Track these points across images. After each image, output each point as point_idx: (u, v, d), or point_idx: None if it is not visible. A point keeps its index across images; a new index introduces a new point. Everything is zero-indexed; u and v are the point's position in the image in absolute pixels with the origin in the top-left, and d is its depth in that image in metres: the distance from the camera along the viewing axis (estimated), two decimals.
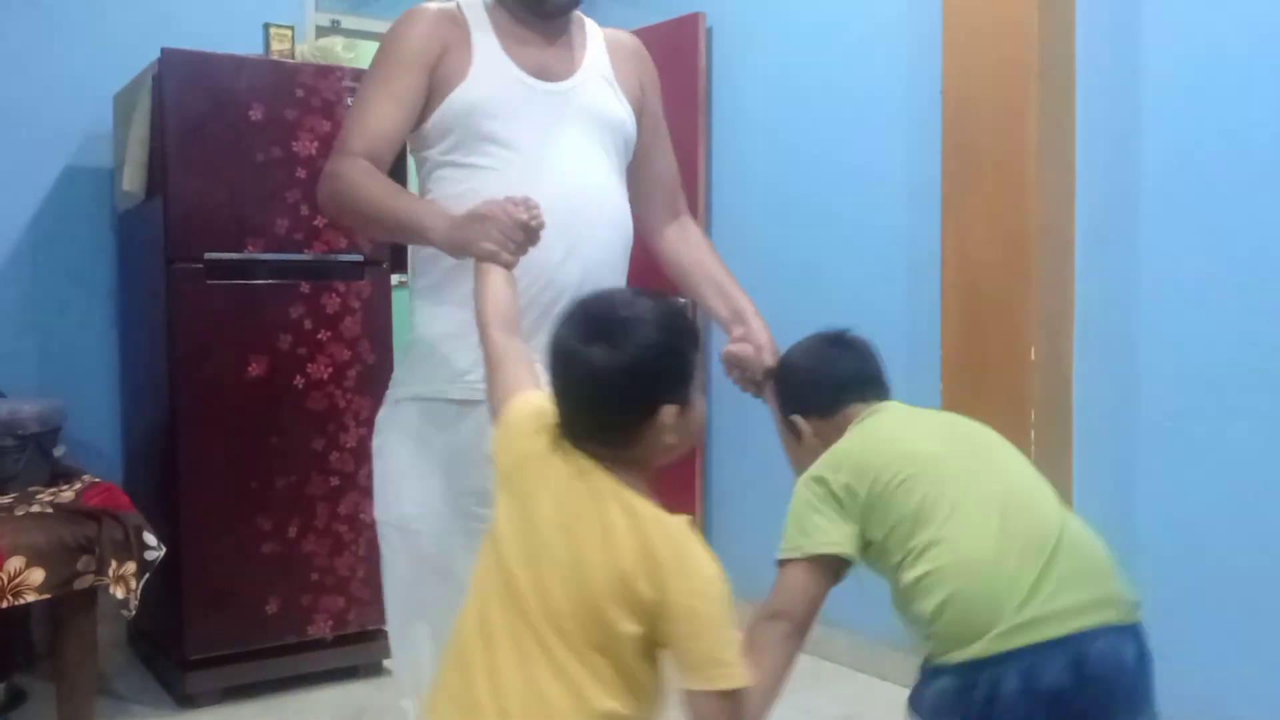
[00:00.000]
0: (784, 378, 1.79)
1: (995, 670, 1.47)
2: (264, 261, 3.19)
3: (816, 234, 3.50)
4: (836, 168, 3.47)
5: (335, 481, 3.28)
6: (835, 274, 3.40)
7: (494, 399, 1.49)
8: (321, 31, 4.05)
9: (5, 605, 2.42)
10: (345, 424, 3.29)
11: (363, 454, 3.31)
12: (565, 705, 1.25)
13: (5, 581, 2.41)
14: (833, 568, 1.60)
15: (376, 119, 1.80)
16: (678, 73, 3.91)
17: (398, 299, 3.62)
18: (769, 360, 1.83)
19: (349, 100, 3.27)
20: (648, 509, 1.30)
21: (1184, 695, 2.61)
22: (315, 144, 3.22)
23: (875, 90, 3.33)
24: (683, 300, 1.81)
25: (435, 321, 1.84)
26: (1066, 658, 1.46)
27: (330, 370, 3.27)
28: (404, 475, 1.82)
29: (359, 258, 3.31)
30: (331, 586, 3.28)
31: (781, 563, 1.62)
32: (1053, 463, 2.79)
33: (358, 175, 1.76)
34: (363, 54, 4.22)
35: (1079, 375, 2.82)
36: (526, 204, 1.62)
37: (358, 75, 3.30)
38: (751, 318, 1.90)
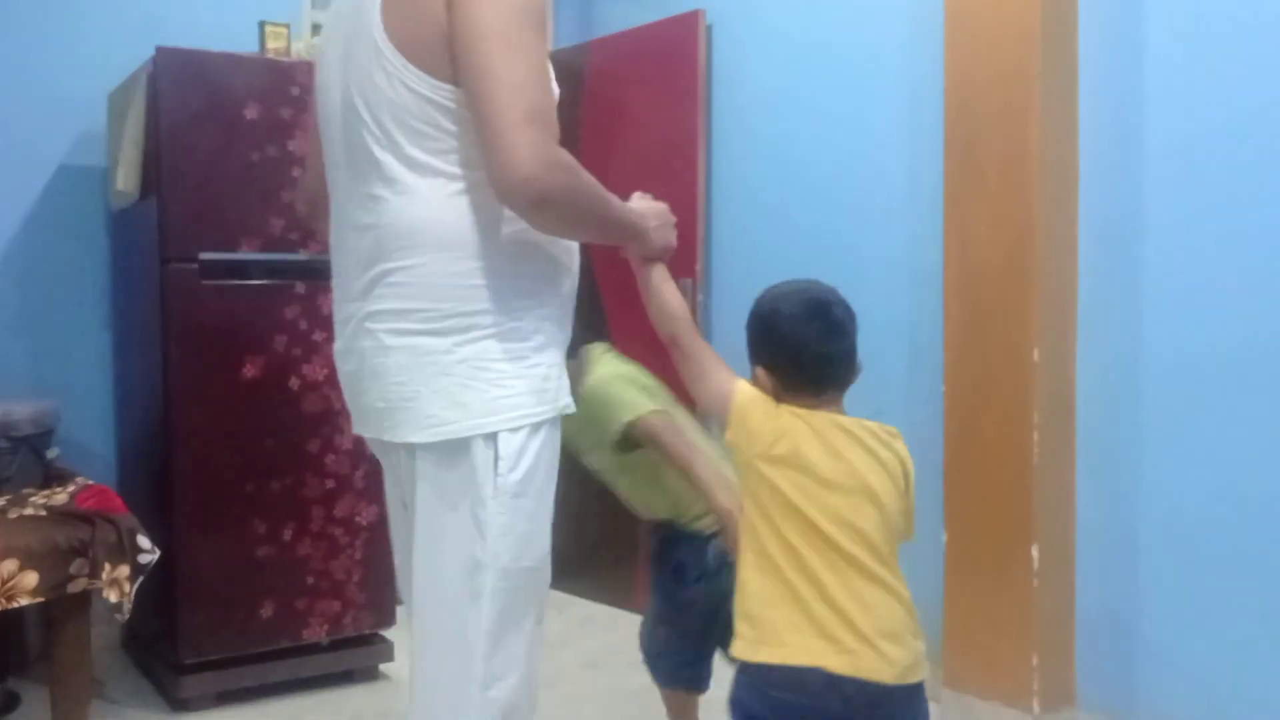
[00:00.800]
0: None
1: None
2: (259, 262, 3.16)
3: (817, 232, 3.49)
4: (837, 166, 3.45)
5: (331, 484, 3.26)
6: (836, 274, 3.33)
7: (707, 389, 1.81)
8: (317, 30, 4.03)
9: None
10: (340, 426, 3.27)
11: (359, 456, 3.29)
12: (890, 602, 1.69)
13: None
14: None
15: (552, 90, 1.58)
16: (677, 70, 3.90)
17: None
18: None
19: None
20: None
21: (1186, 693, 2.60)
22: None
23: (877, 89, 3.32)
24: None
25: (560, 337, 1.72)
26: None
27: (326, 372, 3.24)
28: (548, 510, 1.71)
29: None
30: (327, 590, 3.25)
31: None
32: (1056, 463, 2.78)
33: (590, 177, 1.56)
34: None
35: (1082, 376, 2.81)
36: (664, 204, 1.81)
37: None
38: None
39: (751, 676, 1.71)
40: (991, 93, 2.81)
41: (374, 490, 3.33)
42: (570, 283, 1.73)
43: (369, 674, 3.36)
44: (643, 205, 1.79)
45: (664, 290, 1.83)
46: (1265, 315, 2.48)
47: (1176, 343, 2.63)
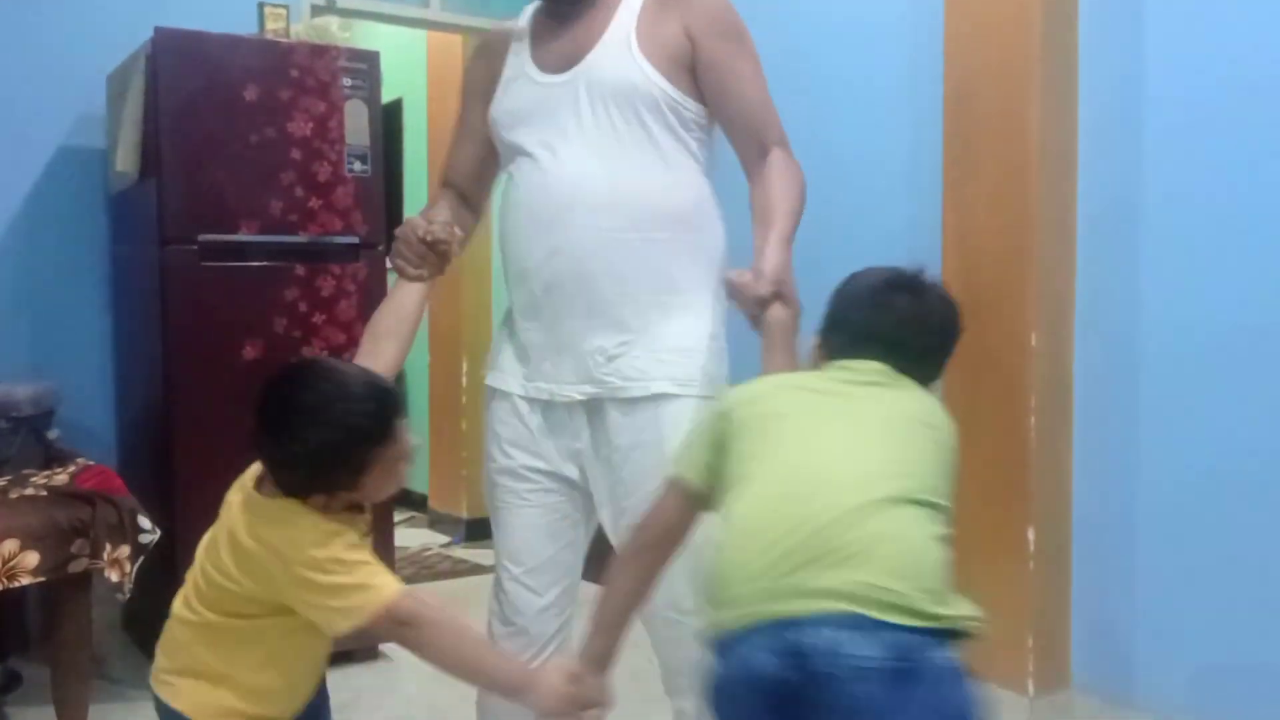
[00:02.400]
0: (834, 305, 1.66)
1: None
2: (258, 243, 3.17)
3: (817, 221, 3.44)
4: (837, 154, 3.44)
5: None
6: (835, 261, 3.31)
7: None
8: (317, 11, 4.01)
9: (0, 588, 2.41)
10: None
11: None
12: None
13: (0, 565, 2.40)
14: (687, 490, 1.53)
15: (453, 154, 2.04)
16: None
17: (394, 282, 3.60)
18: (762, 290, 1.71)
19: (345, 80, 3.25)
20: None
21: (1180, 675, 2.62)
22: (310, 124, 3.20)
23: (877, 77, 3.31)
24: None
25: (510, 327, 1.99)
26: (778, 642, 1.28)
27: (326, 353, 3.25)
28: None
29: (355, 240, 3.29)
30: None
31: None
32: (1052, 447, 2.79)
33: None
34: (358, 34, 4.19)
35: (1079, 362, 2.82)
36: (425, 222, 1.83)
37: (353, 55, 3.28)
38: (764, 248, 1.80)
39: None
40: (990, 79, 2.81)
41: None
42: (519, 280, 1.87)
43: (369, 654, 3.38)
44: (400, 227, 1.89)
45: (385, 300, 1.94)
46: (1262, 301, 2.48)
47: (1173, 328, 2.64)
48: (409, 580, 4.08)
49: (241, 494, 1.70)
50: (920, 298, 1.64)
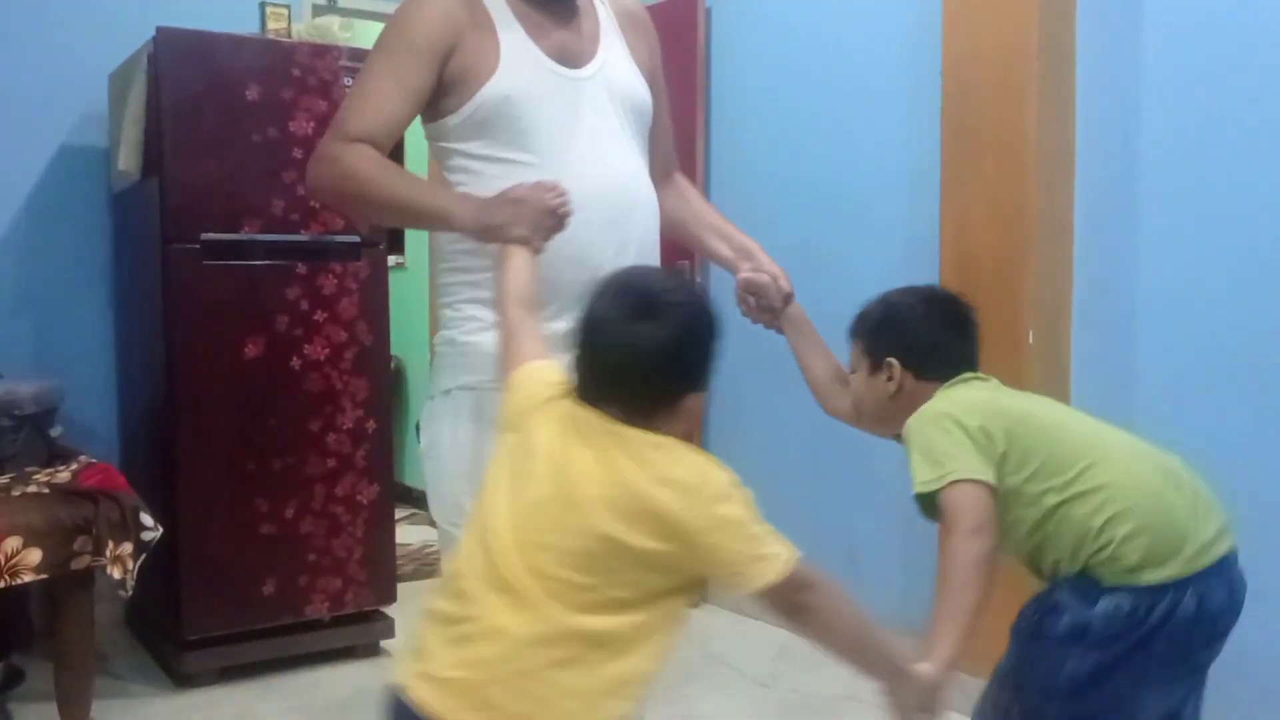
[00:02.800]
0: (895, 323, 1.79)
1: (1177, 593, 1.61)
2: (261, 242, 3.18)
3: (815, 216, 3.50)
4: (835, 150, 3.46)
5: (332, 463, 3.28)
6: (833, 255, 3.40)
7: (509, 365, 1.52)
8: (318, 10, 4.03)
9: (2, 585, 2.42)
10: (342, 405, 3.29)
11: (360, 435, 3.32)
12: (517, 628, 1.25)
13: (2, 561, 2.41)
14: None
15: (379, 105, 1.73)
16: (676, 53, 3.89)
17: (394, 281, 3.61)
18: (786, 287, 1.90)
19: (346, 80, 3.26)
20: (641, 435, 1.31)
21: None
22: (312, 124, 3.21)
23: (875, 72, 3.32)
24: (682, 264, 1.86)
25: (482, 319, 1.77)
26: (1225, 581, 1.67)
27: (327, 351, 3.26)
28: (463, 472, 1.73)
29: (356, 239, 3.30)
30: (328, 567, 3.28)
31: (927, 496, 1.64)
32: None
33: (358, 160, 1.71)
34: (359, 33, 4.20)
35: (1076, 359, 2.83)
36: (556, 189, 1.64)
37: (355, 55, 3.29)
38: (759, 252, 1.95)
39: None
40: (989, 76, 2.82)
41: (375, 469, 3.36)
42: (575, 271, 1.70)
43: (370, 650, 3.40)
44: (517, 190, 1.66)
45: (500, 268, 1.63)
46: (1258, 300, 2.49)
47: (1170, 328, 2.65)
48: (409, 578, 4.10)
49: (590, 441, 1.32)
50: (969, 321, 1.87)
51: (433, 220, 1.77)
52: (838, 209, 3.45)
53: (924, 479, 1.62)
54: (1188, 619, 1.60)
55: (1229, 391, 2.54)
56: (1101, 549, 1.61)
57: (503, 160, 1.74)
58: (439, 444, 1.80)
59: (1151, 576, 1.60)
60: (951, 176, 2.92)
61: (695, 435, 3.90)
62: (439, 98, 1.77)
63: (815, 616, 1.34)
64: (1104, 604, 1.61)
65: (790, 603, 1.32)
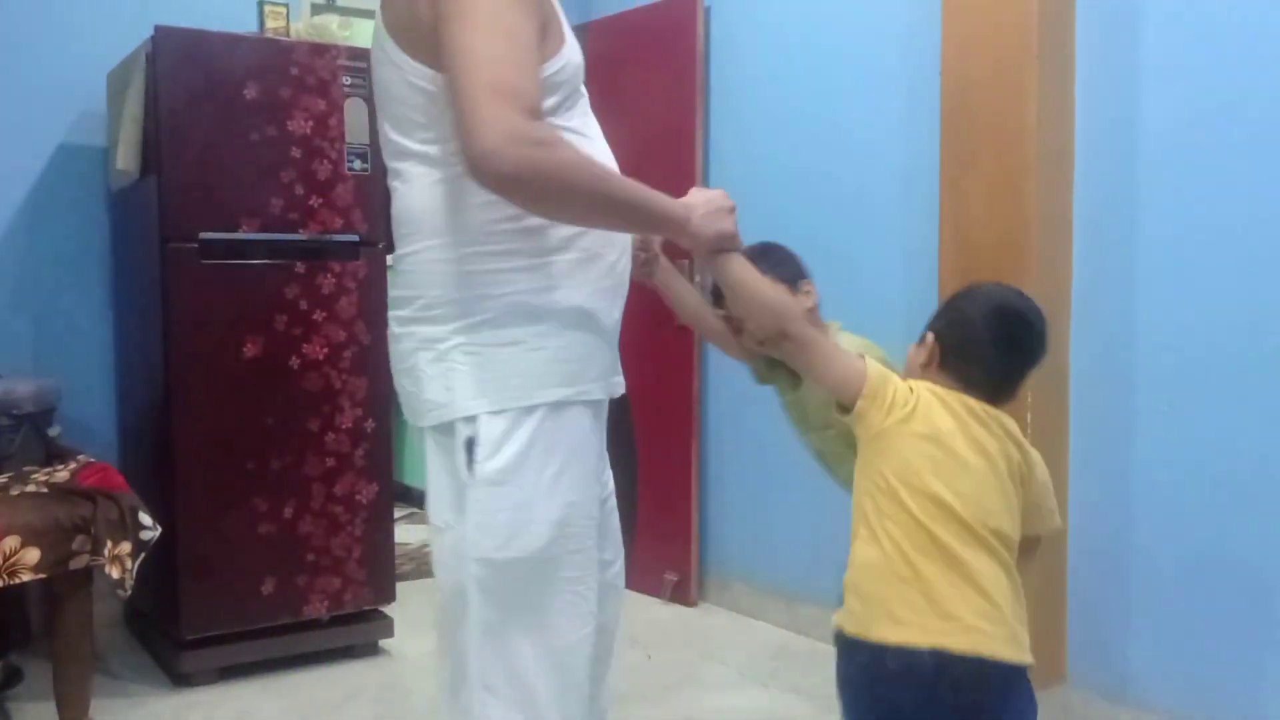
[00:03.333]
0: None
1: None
2: (259, 241, 3.18)
3: (814, 212, 3.49)
4: (835, 148, 3.46)
5: (331, 462, 3.28)
6: (833, 251, 3.38)
7: (834, 373, 1.74)
8: (316, 9, 4.03)
9: (1, 584, 2.42)
10: (341, 405, 3.29)
11: (359, 435, 3.31)
12: (1013, 587, 1.68)
13: (1, 561, 2.40)
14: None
15: (538, 69, 1.48)
16: (675, 52, 3.90)
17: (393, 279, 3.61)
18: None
19: (345, 79, 3.25)
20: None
21: (1175, 671, 2.63)
22: (310, 123, 3.21)
23: (874, 70, 3.32)
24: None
25: (578, 321, 1.61)
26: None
27: (326, 351, 3.26)
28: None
29: (354, 238, 3.30)
30: (327, 567, 3.28)
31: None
32: (1048, 448, 2.79)
33: (576, 150, 1.49)
34: (358, 32, 4.19)
35: (1075, 359, 2.82)
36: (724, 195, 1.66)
37: (353, 54, 3.29)
38: None
39: (856, 654, 1.67)
40: (989, 75, 2.82)
41: (374, 469, 3.35)
42: (601, 264, 1.61)
43: (369, 649, 3.40)
44: (693, 195, 1.64)
45: (750, 281, 1.69)
46: (1259, 301, 2.49)
47: (1170, 326, 2.65)
48: (408, 577, 4.10)
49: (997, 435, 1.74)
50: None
51: (663, 226, 1.62)
52: (837, 205, 3.44)
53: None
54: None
55: (1228, 388, 2.54)
56: None
57: (568, 130, 1.57)
58: (540, 466, 1.57)
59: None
60: (950, 172, 2.92)
61: (694, 434, 3.90)
62: None
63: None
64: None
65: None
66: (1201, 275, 2.58)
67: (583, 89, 1.65)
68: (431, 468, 1.68)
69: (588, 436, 1.62)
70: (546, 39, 1.52)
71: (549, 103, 1.53)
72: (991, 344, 1.75)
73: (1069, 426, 2.84)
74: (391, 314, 1.68)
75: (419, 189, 1.59)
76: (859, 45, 3.37)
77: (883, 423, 1.69)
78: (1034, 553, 1.83)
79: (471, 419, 1.55)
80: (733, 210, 1.65)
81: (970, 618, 1.61)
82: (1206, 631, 2.57)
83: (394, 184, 1.65)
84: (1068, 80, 2.79)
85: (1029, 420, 2.73)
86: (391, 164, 1.65)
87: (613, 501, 1.79)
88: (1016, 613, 1.67)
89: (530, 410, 1.54)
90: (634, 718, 1.87)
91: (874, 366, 1.73)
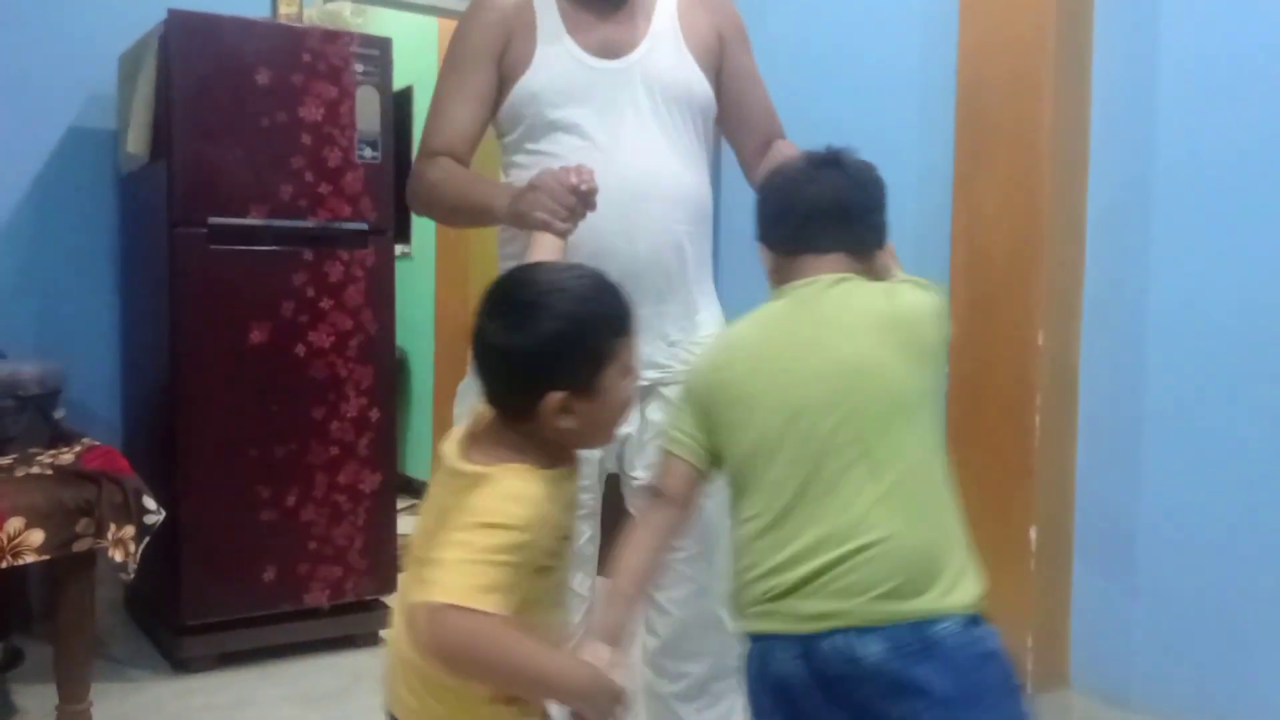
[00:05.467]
0: (766, 204, 1.67)
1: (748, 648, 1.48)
2: (267, 228, 3.17)
3: None
4: (848, 143, 3.44)
5: (335, 451, 3.27)
6: None
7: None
8: None
9: (4, 566, 2.41)
10: (346, 393, 3.28)
11: (363, 424, 3.31)
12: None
13: (4, 542, 2.40)
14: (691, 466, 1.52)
15: (450, 118, 1.89)
16: None
17: (400, 270, 3.60)
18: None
19: (357, 66, 3.25)
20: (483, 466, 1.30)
21: (1179, 675, 2.62)
22: (321, 109, 3.20)
23: (890, 67, 3.31)
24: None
25: None
26: (797, 650, 1.39)
27: (332, 339, 3.26)
28: None
29: (363, 226, 3.30)
30: (329, 556, 3.28)
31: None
32: (1057, 446, 2.79)
33: (436, 173, 1.87)
34: (371, 19, 4.19)
35: (1086, 360, 2.81)
36: (578, 170, 1.64)
37: (366, 41, 3.28)
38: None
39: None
40: (1004, 76, 2.81)
41: (378, 459, 3.35)
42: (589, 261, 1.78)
43: (369, 639, 3.39)
44: (538, 176, 1.68)
45: (527, 256, 1.62)
46: (1271, 304, 2.48)
47: (1180, 329, 2.64)
48: (409, 568, 4.09)
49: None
50: (846, 168, 1.75)
51: (482, 214, 1.83)
52: None
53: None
54: (751, 680, 1.47)
55: (1238, 396, 2.53)
56: None
57: (533, 153, 1.86)
58: None
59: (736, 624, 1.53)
60: (964, 172, 2.91)
61: None
62: (498, 100, 1.90)
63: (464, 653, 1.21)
64: None
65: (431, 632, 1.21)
66: (1214, 281, 2.57)
67: (554, 113, 1.83)
68: None
69: None
70: (508, 79, 1.87)
71: (515, 133, 1.89)
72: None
73: (1077, 427, 2.83)
74: None
75: None
76: (875, 41, 3.36)
77: None
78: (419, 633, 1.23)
79: None
80: (534, 188, 1.64)
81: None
82: (1211, 635, 2.56)
83: None
84: (1084, 83, 2.78)
85: (1037, 423, 2.73)
86: None
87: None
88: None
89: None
90: (632, 717, 1.86)
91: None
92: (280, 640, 3.24)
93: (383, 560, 3.38)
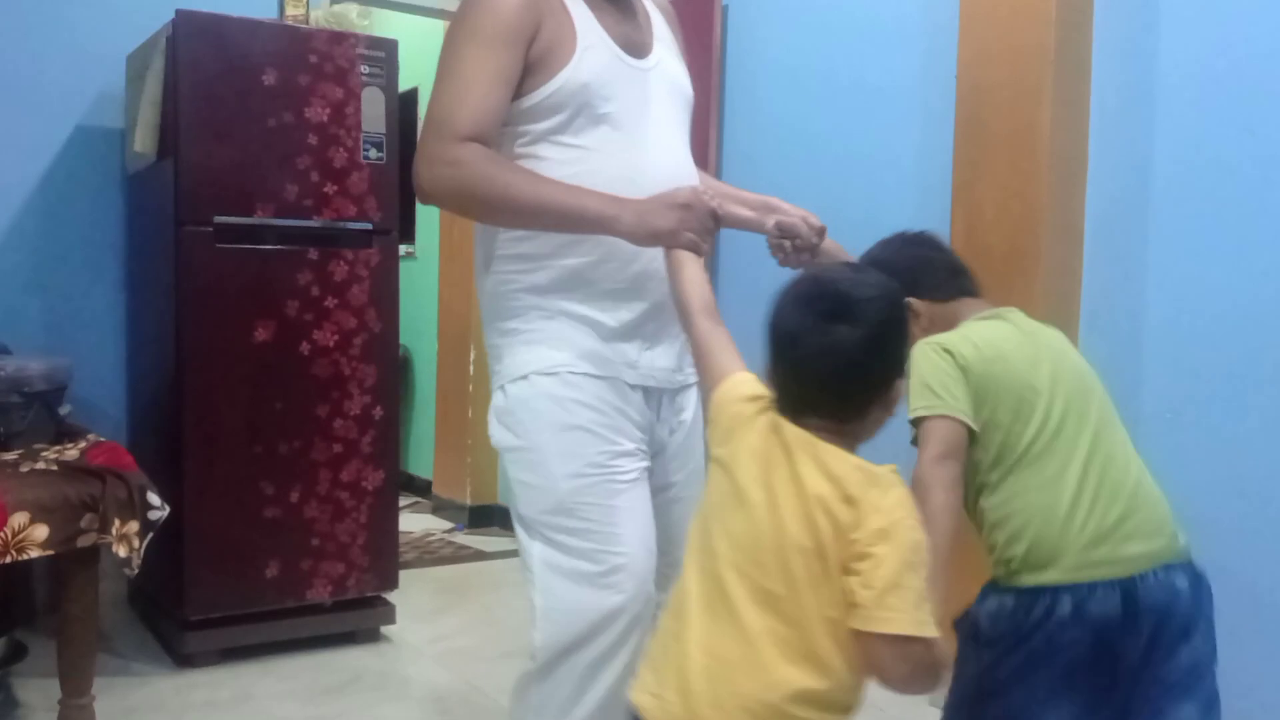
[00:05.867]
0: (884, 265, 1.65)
1: (1053, 596, 1.62)
2: (273, 227, 3.19)
3: (826, 215, 3.45)
4: (848, 148, 3.47)
5: (338, 448, 3.29)
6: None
7: (707, 382, 1.54)
8: None
9: (9, 560, 2.43)
10: (350, 391, 3.30)
11: (366, 422, 3.33)
12: (744, 668, 1.27)
13: (9, 537, 2.42)
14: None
15: (482, 98, 1.67)
16: (691, 50, 3.89)
17: (404, 270, 3.63)
18: (816, 223, 1.92)
19: (363, 68, 3.26)
20: (840, 455, 1.32)
21: None
22: (327, 110, 3.22)
23: (890, 72, 3.33)
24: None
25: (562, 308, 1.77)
26: (1119, 593, 1.61)
27: (336, 337, 3.28)
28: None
29: (368, 226, 3.32)
30: (332, 552, 3.30)
31: (920, 420, 1.67)
32: None
33: (487, 164, 1.67)
34: (377, 22, 4.21)
35: None
36: (708, 197, 1.66)
37: (372, 43, 3.30)
38: (779, 202, 1.98)
39: None
40: (1004, 81, 2.82)
41: (381, 456, 3.37)
42: (604, 272, 1.75)
43: (371, 635, 3.41)
44: (680, 195, 1.66)
45: (676, 279, 1.64)
46: (1269, 306, 2.49)
47: (1179, 333, 2.65)
48: (410, 565, 4.12)
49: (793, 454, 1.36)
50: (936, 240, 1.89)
51: (589, 225, 1.68)
52: (849, 208, 3.44)
53: (916, 405, 1.70)
54: (1065, 620, 1.61)
55: (1235, 400, 2.54)
56: (991, 548, 1.70)
57: (574, 146, 1.74)
58: (534, 433, 1.74)
59: (1028, 580, 1.65)
60: (963, 178, 2.93)
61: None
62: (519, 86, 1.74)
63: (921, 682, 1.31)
64: (989, 603, 1.68)
65: (897, 671, 1.27)
66: (1212, 286, 2.58)
67: (607, 108, 1.75)
68: None
69: (587, 400, 1.74)
70: (544, 65, 1.71)
71: (551, 122, 1.73)
72: (770, 355, 1.42)
73: None
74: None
75: None
76: (875, 47, 3.37)
77: (710, 440, 1.49)
78: (903, 661, 1.27)
79: (502, 389, 1.82)
80: (686, 207, 1.63)
81: (665, 689, 1.32)
82: (1219, 648, 2.57)
83: None
84: (1082, 90, 2.79)
85: None
86: None
87: (676, 493, 1.88)
88: (729, 706, 1.27)
89: (516, 380, 1.77)
90: None
91: (735, 378, 1.48)
92: (282, 636, 3.26)
93: (385, 557, 3.40)
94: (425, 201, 1.72)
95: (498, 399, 1.80)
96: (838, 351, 1.33)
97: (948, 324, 1.79)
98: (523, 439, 1.75)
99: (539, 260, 1.76)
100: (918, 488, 1.57)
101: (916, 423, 1.68)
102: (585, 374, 1.74)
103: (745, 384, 1.46)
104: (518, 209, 1.68)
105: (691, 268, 1.63)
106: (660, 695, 1.32)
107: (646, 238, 1.65)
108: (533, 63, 1.72)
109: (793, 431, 1.35)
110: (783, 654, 1.26)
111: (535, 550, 1.74)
